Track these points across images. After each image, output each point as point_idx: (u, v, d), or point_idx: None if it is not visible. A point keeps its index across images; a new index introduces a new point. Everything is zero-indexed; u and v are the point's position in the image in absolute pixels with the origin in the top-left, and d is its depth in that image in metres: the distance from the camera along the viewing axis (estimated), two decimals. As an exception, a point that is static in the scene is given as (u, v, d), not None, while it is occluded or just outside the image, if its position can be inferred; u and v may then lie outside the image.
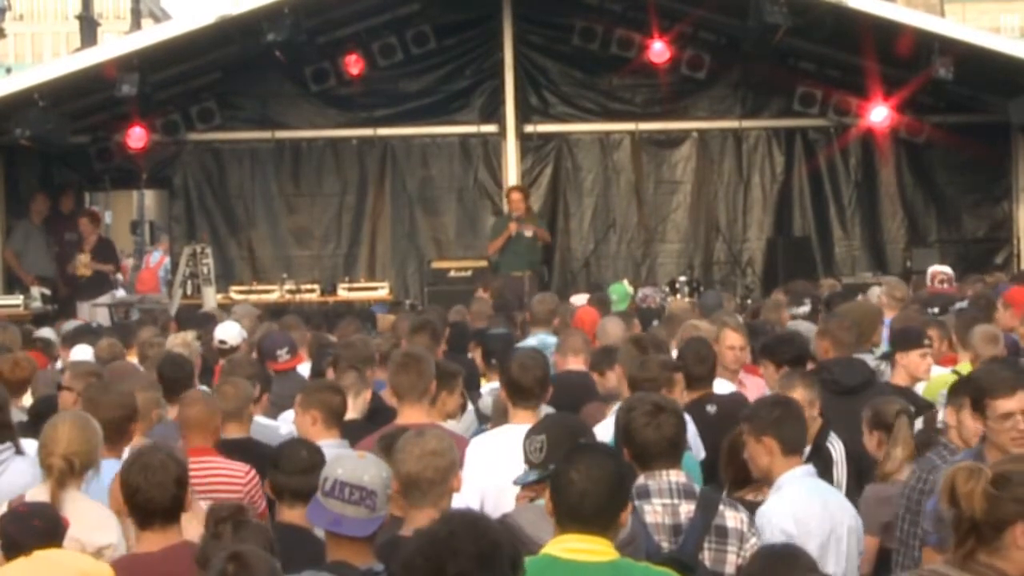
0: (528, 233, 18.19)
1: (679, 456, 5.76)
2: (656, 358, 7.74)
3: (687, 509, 5.60)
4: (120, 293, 21.17)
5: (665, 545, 5.57)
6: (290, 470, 6.14)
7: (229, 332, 11.40)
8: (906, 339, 8.78)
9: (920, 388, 8.90)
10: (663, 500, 5.64)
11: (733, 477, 6.59)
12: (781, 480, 6.00)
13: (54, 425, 6.46)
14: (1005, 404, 5.89)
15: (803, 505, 5.96)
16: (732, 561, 5.58)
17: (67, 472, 6.23)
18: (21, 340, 11.44)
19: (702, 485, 7.11)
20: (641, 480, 5.69)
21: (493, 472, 6.35)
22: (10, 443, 6.99)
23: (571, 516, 4.62)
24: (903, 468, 6.85)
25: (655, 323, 12.01)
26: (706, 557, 5.57)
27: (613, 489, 4.65)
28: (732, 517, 5.65)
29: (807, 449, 7.23)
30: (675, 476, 5.68)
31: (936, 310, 11.51)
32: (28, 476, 6.74)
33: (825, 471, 7.06)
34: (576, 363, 9.19)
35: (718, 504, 5.67)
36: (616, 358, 8.66)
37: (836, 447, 7.23)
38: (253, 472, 7.15)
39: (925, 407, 8.09)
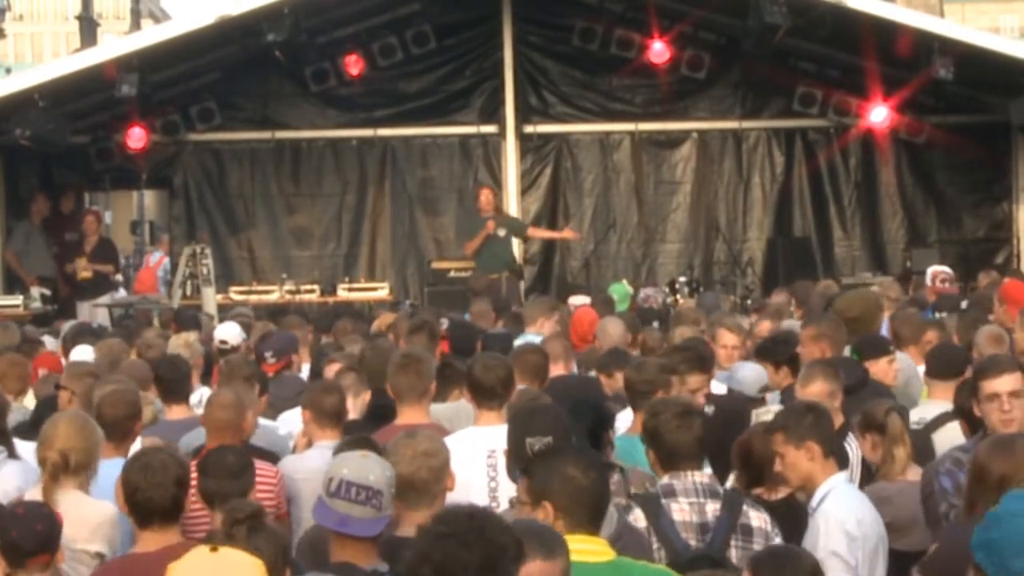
0: (502, 233, 18.04)
1: (703, 457, 5.90)
2: (654, 361, 7.74)
3: (713, 508, 5.71)
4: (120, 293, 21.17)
5: (693, 543, 5.66)
6: (219, 475, 6.17)
7: (230, 332, 11.40)
8: (874, 347, 8.76)
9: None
10: (689, 499, 5.73)
11: (746, 478, 6.60)
12: (830, 483, 6.02)
13: (54, 422, 6.49)
14: (991, 385, 6.24)
15: (862, 509, 6.04)
16: None
17: (61, 467, 6.23)
18: (20, 341, 11.43)
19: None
20: (666, 480, 5.80)
21: (456, 470, 6.35)
22: (3, 447, 6.99)
23: (572, 516, 4.65)
24: (909, 468, 6.82)
25: (655, 324, 12.00)
26: (733, 555, 5.65)
27: (606, 486, 4.75)
28: (756, 517, 5.75)
29: None
30: (699, 476, 5.81)
31: (945, 314, 11.50)
32: (21, 480, 6.74)
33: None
34: (556, 369, 9.08)
35: (742, 504, 5.77)
36: (625, 360, 8.65)
37: (853, 448, 7.16)
38: (280, 473, 7.13)
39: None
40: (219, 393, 7.48)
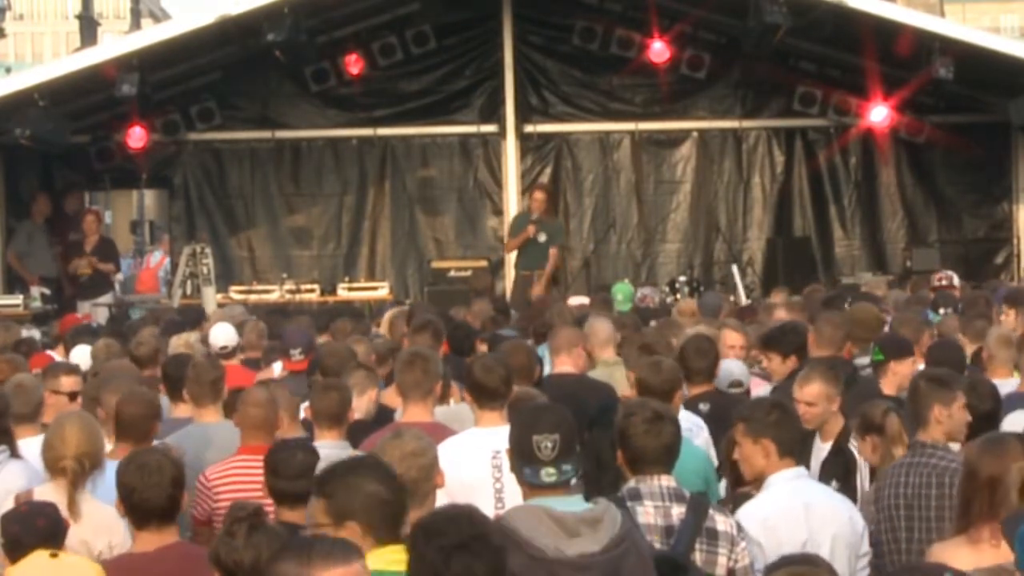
0: (542, 239, 18.04)
1: (672, 463, 5.83)
2: (669, 362, 7.71)
3: (679, 511, 5.67)
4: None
5: (658, 545, 5.62)
6: (287, 475, 6.14)
7: (228, 336, 11.34)
8: (900, 348, 8.74)
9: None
10: (655, 502, 5.70)
11: (733, 475, 6.59)
12: (768, 482, 6.02)
13: (61, 425, 6.45)
14: None
15: (776, 510, 5.97)
16: (723, 563, 5.64)
17: (80, 473, 6.25)
18: (18, 341, 11.42)
19: (712, 480, 7.14)
20: (632, 483, 5.76)
21: (461, 472, 6.34)
22: (6, 446, 6.99)
23: (380, 531, 4.57)
24: None
25: (652, 324, 11.99)
26: (698, 558, 5.62)
27: (405, 495, 4.73)
28: (722, 521, 5.71)
29: (827, 448, 7.22)
30: (666, 481, 5.76)
31: (946, 310, 11.52)
32: (24, 479, 6.73)
33: (846, 474, 7.03)
34: (564, 364, 9.04)
35: (708, 508, 5.74)
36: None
37: (857, 450, 7.15)
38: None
39: None
40: (252, 391, 7.45)
